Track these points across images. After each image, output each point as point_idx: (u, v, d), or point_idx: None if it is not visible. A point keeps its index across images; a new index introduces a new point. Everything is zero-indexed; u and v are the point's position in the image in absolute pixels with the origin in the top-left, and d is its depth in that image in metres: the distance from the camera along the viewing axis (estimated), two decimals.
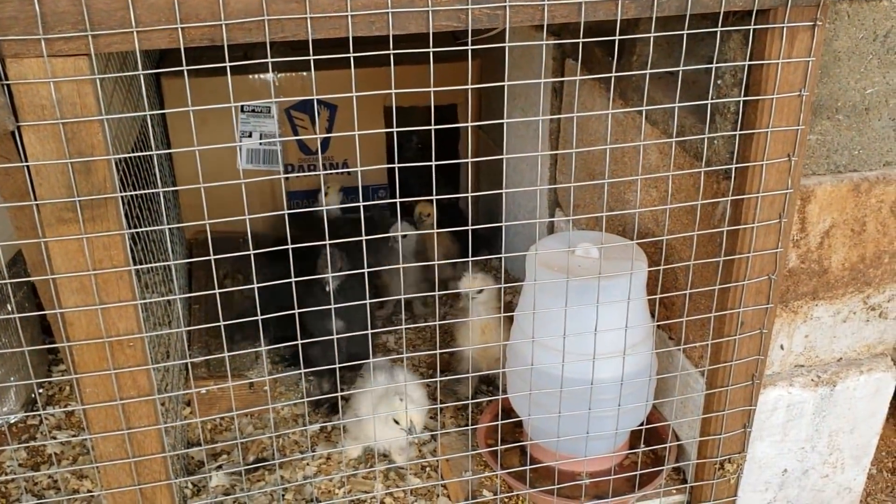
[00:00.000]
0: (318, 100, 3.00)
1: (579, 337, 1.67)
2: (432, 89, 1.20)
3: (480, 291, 2.12)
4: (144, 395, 1.40)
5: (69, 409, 2.35)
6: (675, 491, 1.91)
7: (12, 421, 2.32)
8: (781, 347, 1.79)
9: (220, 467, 2.12)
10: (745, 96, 1.49)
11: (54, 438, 2.27)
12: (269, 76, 2.89)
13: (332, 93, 2.76)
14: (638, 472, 1.79)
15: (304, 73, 2.95)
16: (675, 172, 1.76)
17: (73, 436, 2.25)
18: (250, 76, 2.89)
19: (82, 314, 1.32)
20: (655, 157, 1.89)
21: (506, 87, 1.36)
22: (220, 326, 1.42)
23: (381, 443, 1.99)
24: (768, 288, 1.63)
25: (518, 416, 1.93)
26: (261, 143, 2.93)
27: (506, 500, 1.86)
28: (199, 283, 2.71)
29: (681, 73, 1.43)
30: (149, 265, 2.02)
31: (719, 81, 1.58)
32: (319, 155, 3.08)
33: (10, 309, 2.28)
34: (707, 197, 1.68)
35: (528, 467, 1.79)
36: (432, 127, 1.39)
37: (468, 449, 2.01)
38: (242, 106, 2.88)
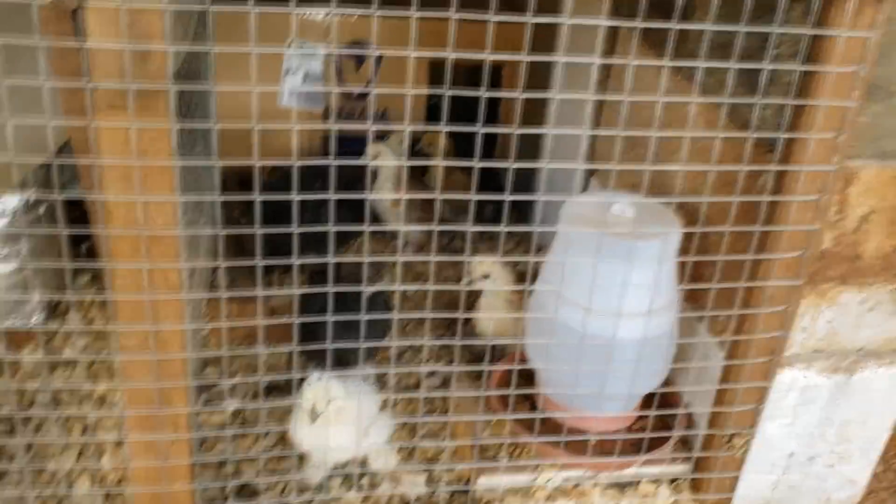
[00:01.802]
0: (364, 46, 3.00)
1: (605, 294, 1.67)
2: (487, 56, 1.23)
3: (486, 276, 2.11)
4: (174, 291, 1.41)
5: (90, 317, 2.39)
6: (680, 460, 1.92)
7: (34, 323, 2.36)
8: (804, 329, 1.79)
9: (234, 387, 2.14)
10: (802, 67, 1.48)
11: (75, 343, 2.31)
12: (319, 16, 2.89)
13: (379, 41, 2.77)
14: (648, 435, 1.79)
15: (354, 18, 2.95)
16: (722, 135, 1.75)
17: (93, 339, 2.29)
18: (299, 14, 2.89)
19: (122, 204, 1.34)
20: (703, 126, 1.88)
21: (560, 65, 1.35)
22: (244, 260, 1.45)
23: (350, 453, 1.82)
24: (799, 265, 1.63)
25: (534, 370, 1.94)
26: (304, 83, 2.94)
27: (511, 448, 1.87)
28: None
29: (739, 37, 1.42)
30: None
31: (776, 51, 1.57)
32: (365, 101, 3.09)
33: (40, 212, 2.31)
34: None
35: (539, 415, 1.80)
36: (482, 94, 1.37)
37: (480, 410, 2.02)
38: (290, 43, 2.89)
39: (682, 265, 1.72)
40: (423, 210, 2.83)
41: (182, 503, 1.63)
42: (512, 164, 1.42)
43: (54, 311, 2.41)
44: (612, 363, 1.69)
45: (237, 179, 2.77)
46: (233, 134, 1.35)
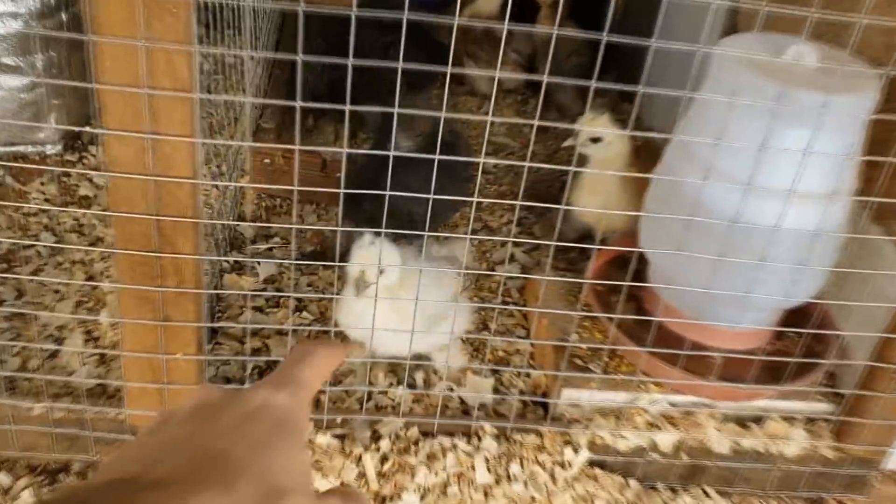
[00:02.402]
0: None
1: (772, 167, 1.22)
2: None
3: (596, 140, 1.65)
4: (187, 136, 1.02)
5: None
6: (821, 397, 1.49)
7: (49, 152, 2.01)
8: None
9: (270, 249, 1.77)
10: None
11: (89, 179, 1.95)
12: None
13: None
14: (788, 360, 1.36)
15: None
16: None
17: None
18: None
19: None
20: None
21: None
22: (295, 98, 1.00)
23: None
24: None
25: (645, 264, 1.51)
26: None
27: (607, 358, 1.47)
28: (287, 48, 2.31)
29: None
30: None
31: None
32: None
33: (63, 18, 1.92)
34: None
35: (644, 318, 1.38)
36: None
37: (566, 302, 1.61)
38: None
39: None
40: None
41: (185, 376, 1.27)
42: None
43: (74, 142, 2.05)
44: (769, 260, 1.25)
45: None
46: None
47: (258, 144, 1.83)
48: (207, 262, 1.59)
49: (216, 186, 1.79)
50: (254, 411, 0.43)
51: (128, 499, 0.35)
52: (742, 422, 1.47)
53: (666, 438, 1.42)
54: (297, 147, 1.03)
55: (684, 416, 1.45)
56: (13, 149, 1.97)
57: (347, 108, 1.00)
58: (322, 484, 1.29)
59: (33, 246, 1.74)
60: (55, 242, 1.76)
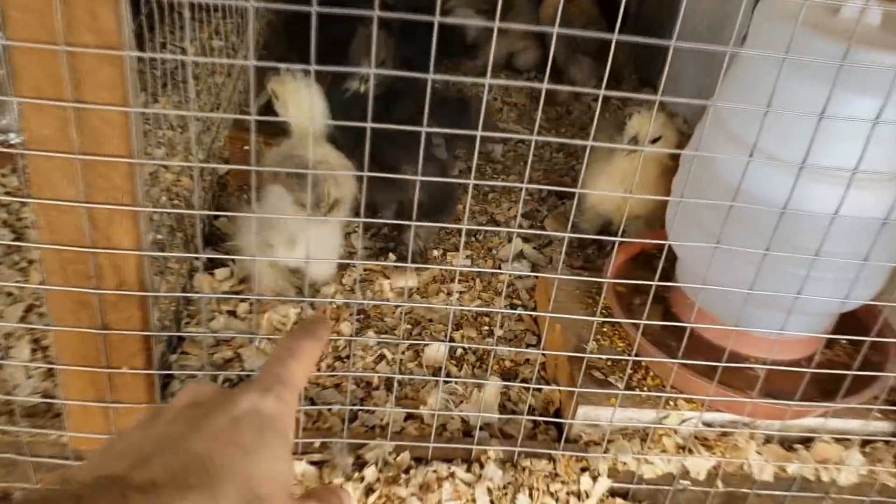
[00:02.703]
0: None
1: (828, 145, 1.02)
2: None
3: (656, 140, 1.49)
4: (118, 105, 0.82)
5: None
6: (880, 415, 1.28)
7: (13, 141, 1.83)
8: None
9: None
10: None
11: None
12: None
13: None
14: (851, 372, 1.15)
15: None
16: None
17: None
18: None
19: None
20: None
21: None
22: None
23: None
24: None
25: (673, 261, 1.31)
26: None
27: (631, 370, 1.26)
28: None
29: None
30: None
31: None
32: None
33: None
34: None
35: (684, 324, 1.18)
36: None
37: (582, 305, 1.41)
38: None
39: None
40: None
41: (133, 393, 1.08)
42: None
43: None
44: (824, 255, 1.04)
45: None
46: None
47: (214, 115, 1.64)
48: (174, 259, 1.40)
49: (190, 176, 1.60)
50: (241, 416, 0.44)
51: (119, 499, 0.36)
52: (788, 444, 1.27)
53: (699, 463, 1.21)
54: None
55: (720, 437, 1.24)
56: None
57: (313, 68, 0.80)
58: None
59: None
60: (13, 240, 1.58)
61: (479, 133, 0.85)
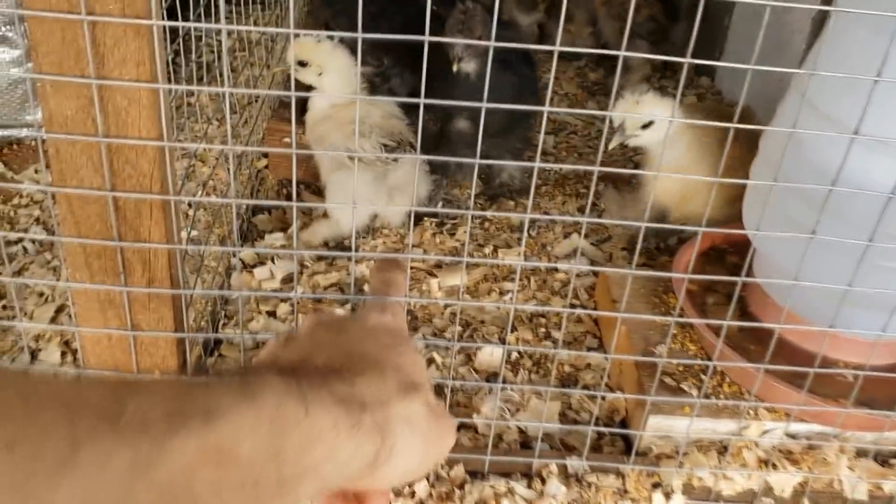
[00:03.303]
0: None
1: None
2: None
3: (647, 126, 1.32)
4: (146, 82, 0.74)
5: None
6: None
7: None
8: None
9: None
10: None
11: None
12: None
13: None
14: None
15: None
16: None
17: None
18: None
19: None
20: None
21: None
22: None
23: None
24: None
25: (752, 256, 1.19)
26: None
27: (705, 377, 1.15)
28: None
29: None
30: None
31: None
32: None
33: None
34: None
35: (768, 325, 1.07)
36: None
37: (648, 305, 1.30)
38: None
39: None
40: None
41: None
42: None
43: None
44: None
45: None
46: None
47: (251, 91, 1.56)
48: (211, 257, 1.32)
49: (228, 168, 1.52)
50: (373, 328, 0.50)
51: (315, 375, 0.41)
52: (883, 458, 1.14)
53: (783, 479, 1.10)
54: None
55: (806, 450, 1.12)
56: (5, 133, 1.74)
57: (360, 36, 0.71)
58: None
59: (21, 240, 1.50)
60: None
61: (545, 109, 0.75)
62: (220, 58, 1.19)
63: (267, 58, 1.80)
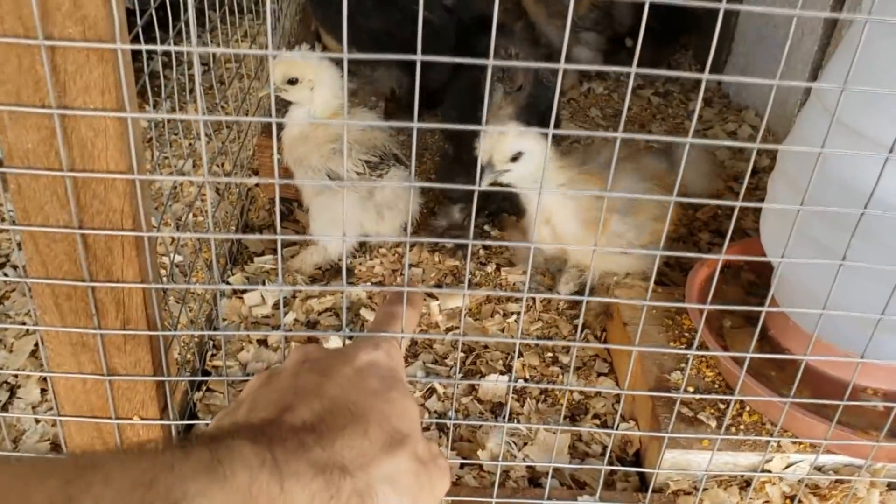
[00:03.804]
0: None
1: None
2: None
3: (516, 158, 1.16)
4: (111, 110, 0.67)
5: None
6: None
7: None
8: None
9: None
10: None
11: None
12: None
13: None
14: None
15: None
16: None
17: None
18: None
19: None
20: None
21: None
22: None
23: None
24: None
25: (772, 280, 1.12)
26: None
27: (723, 409, 1.08)
28: None
29: None
30: None
31: None
32: None
33: None
34: None
35: (790, 356, 0.99)
36: None
37: (660, 328, 1.23)
38: None
39: None
40: None
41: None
42: None
43: None
44: None
45: None
46: None
47: (223, 117, 1.49)
48: (200, 280, 1.25)
49: (217, 190, 1.45)
50: (363, 367, 0.47)
51: (290, 437, 0.38)
52: None
53: None
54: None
55: (835, 484, 1.05)
56: None
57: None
58: None
59: (4, 264, 1.44)
60: None
61: (550, 131, 0.68)
62: (192, 81, 1.13)
63: (257, 69, 1.74)
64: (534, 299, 1.39)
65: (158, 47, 0.70)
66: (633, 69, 0.61)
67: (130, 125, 0.73)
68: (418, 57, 0.61)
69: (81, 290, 0.81)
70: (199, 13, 2.24)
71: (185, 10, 1.04)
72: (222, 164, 1.55)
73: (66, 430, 0.92)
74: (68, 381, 0.88)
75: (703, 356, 1.16)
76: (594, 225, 1.17)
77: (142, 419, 0.90)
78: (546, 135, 1.09)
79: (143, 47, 0.68)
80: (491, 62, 0.60)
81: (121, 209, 0.77)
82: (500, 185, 1.17)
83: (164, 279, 1.07)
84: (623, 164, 1.23)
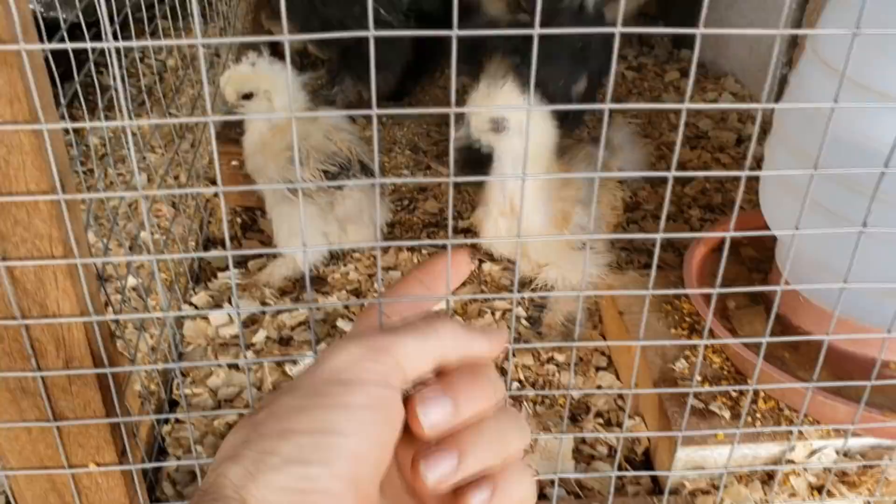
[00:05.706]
0: None
1: None
2: None
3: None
4: (24, 122, 0.57)
5: None
6: None
7: None
8: None
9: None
10: None
11: None
12: None
13: None
14: None
15: None
16: None
17: None
18: None
19: None
20: None
21: None
22: None
23: None
24: None
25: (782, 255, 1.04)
26: None
27: (737, 398, 1.00)
28: None
29: None
30: None
31: None
32: None
33: None
34: None
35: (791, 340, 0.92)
36: None
37: (660, 314, 1.15)
38: None
39: None
40: None
41: (111, 494, 0.83)
42: None
43: None
44: None
45: None
46: None
47: (170, 120, 1.39)
48: (161, 305, 1.15)
49: (174, 204, 1.35)
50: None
51: None
52: None
53: None
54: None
55: (863, 470, 0.97)
56: None
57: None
58: None
59: None
60: None
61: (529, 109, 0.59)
62: (116, 80, 1.00)
63: (212, 76, 1.63)
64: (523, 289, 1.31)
65: (74, 44, 0.61)
66: (618, 28, 0.52)
67: (48, 138, 0.63)
68: (371, 33, 0.52)
69: (14, 330, 0.71)
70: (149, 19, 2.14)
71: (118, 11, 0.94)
72: (177, 176, 1.45)
73: (16, 486, 0.82)
74: (11, 432, 0.78)
75: (709, 343, 1.08)
76: (558, 219, 1.09)
77: (98, 465, 0.81)
78: (548, 113, 1.02)
79: (46, 45, 0.58)
80: (455, 32, 0.51)
81: (48, 235, 0.67)
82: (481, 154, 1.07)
83: (122, 305, 0.97)
84: (573, 153, 1.16)
